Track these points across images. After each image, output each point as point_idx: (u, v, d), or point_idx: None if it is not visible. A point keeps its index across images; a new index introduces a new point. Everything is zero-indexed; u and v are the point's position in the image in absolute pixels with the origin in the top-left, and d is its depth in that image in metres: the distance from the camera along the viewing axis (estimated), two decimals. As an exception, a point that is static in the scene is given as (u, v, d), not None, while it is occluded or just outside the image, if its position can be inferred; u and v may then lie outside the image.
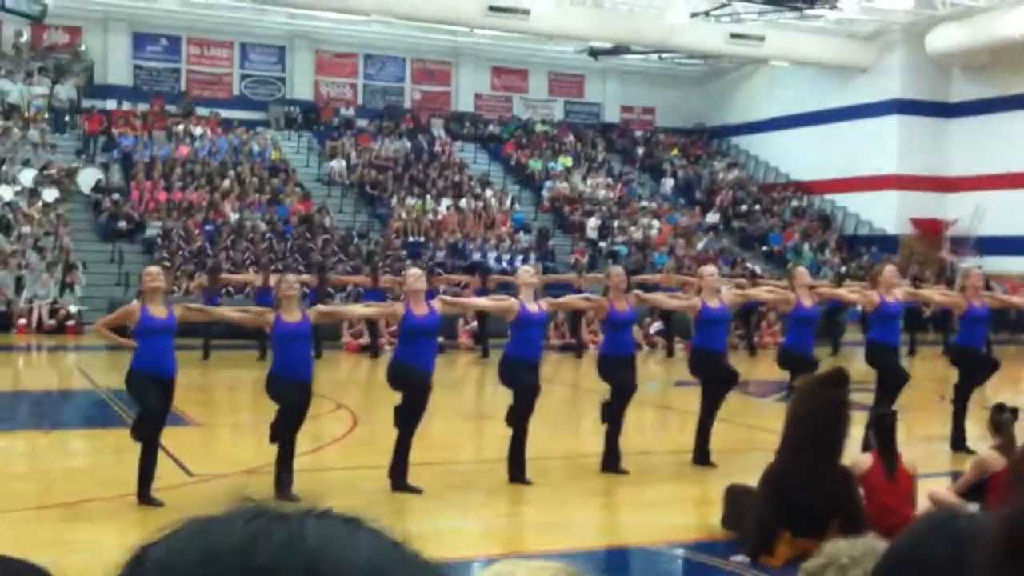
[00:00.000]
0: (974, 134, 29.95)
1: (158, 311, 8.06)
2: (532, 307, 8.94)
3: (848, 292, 12.98)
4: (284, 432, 8.09)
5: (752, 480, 7.15)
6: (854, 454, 7.75)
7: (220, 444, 11.08)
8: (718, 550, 7.06)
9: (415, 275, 8.82)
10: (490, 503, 8.54)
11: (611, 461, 9.37)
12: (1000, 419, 7.57)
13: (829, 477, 6.87)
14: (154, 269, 8.52)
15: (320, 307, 9.67)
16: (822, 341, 16.01)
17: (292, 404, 8.07)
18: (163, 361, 8.05)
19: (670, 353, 19.76)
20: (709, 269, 10.70)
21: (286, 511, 0.69)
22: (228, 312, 9.56)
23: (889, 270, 11.14)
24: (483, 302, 10.69)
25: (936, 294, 12.93)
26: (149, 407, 7.98)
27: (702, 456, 9.68)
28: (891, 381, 10.34)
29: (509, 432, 8.96)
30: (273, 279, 17.86)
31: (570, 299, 11.08)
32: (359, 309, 10.53)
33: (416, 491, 8.42)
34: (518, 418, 8.90)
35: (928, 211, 30.50)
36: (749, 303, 17.43)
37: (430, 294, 10.13)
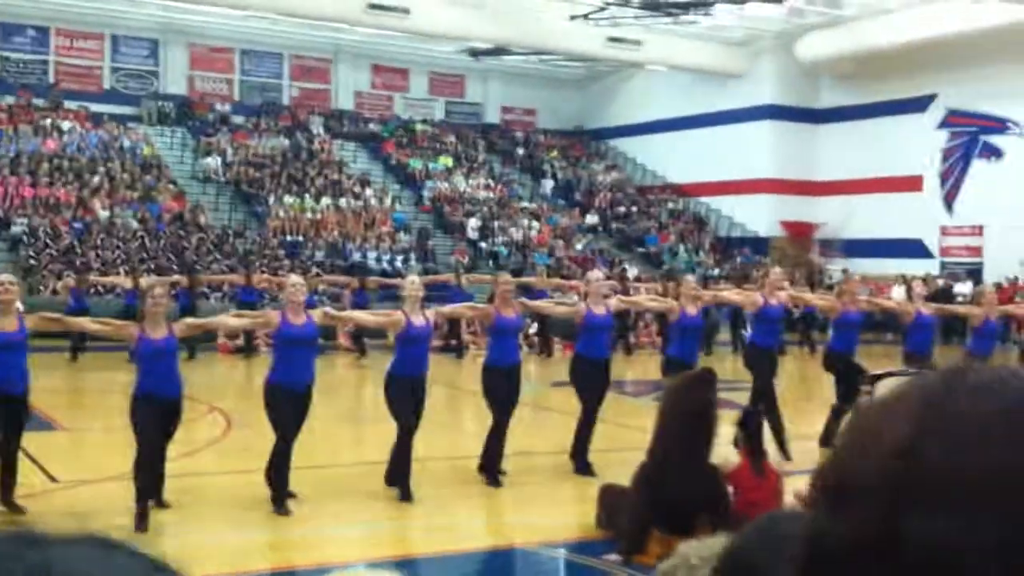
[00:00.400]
0: (842, 139, 30.99)
1: (8, 323, 7.70)
2: (418, 320, 8.83)
3: (732, 294, 13.19)
4: (149, 453, 7.79)
5: (627, 479, 7.26)
6: (724, 452, 7.94)
7: (87, 450, 10.75)
8: (593, 549, 7.15)
9: (295, 286, 8.60)
10: (372, 507, 8.47)
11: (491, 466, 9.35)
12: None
13: (699, 475, 7.02)
14: (6, 278, 8.04)
15: (189, 320, 9.30)
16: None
17: (153, 427, 7.72)
18: (9, 378, 7.67)
19: (548, 353, 19.92)
20: (595, 275, 10.70)
21: (42, 536, 0.68)
22: (87, 323, 8.96)
23: (775, 273, 11.39)
24: (368, 317, 10.52)
25: (816, 298, 13.24)
26: None
27: (583, 466, 9.64)
28: (761, 386, 10.57)
29: (393, 435, 8.90)
30: (144, 281, 17.43)
31: (457, 307, 11.05)
32: (231, 320, 10.25)
33: (292, 496, 8.30)
34: (402, 434, 8.72)
35: (799, 214, 31.43)
36: None
37: (310, 298, 9.98)
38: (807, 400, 14.25)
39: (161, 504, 7.94)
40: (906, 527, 0.68)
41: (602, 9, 27.88)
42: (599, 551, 7.05)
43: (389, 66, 35.97)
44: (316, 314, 8.72)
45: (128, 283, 18.18)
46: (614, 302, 10.66)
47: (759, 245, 30.91)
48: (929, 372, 0.79)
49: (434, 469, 9.68)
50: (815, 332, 21.86)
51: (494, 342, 9.68)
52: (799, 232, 31.49)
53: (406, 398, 8.69)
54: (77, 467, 9.45)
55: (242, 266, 20.85)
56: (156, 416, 7.68)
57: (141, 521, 7.42)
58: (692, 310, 10.48)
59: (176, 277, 20.11)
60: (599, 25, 29.30)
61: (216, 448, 10.55)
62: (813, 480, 0.75)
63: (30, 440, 9.86)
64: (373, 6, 26.90)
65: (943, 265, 28.17)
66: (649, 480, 7.05)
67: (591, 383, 9.83)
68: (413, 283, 9.18)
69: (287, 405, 8.12)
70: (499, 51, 32.48)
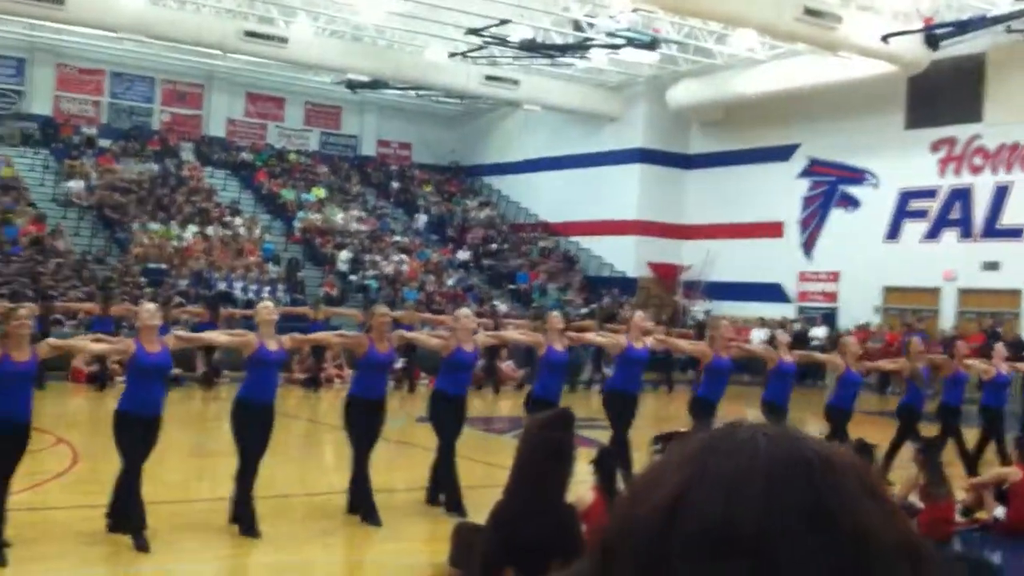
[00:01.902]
0: (708, 185, 31.81)
1: (23, 355, 7.56)
2: (271, 344, 8.72)
3: (597, 336, 13.27)
4: None
5: (483, 518, 7.25)
6: (579, 491, 8.00)
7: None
8: (445, 588, 7.11)
9: (149, 311, 8.43)
10: (224, 543, 8.28)
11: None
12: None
13: (554, 514, 7.04)
14: (22, 312, 7.97)
15: (51, 341, 9.04)
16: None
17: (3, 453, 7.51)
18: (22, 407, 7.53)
19: (411, 388, 19.83)
20: (464, 311, 10.66)
21: None
22: None
23: (638, 316, 11.49)
24: (219, 337, 10.30)
25: (685, 343, 13.34)
26: None
27: (457, 504, 9.50)
28: (615, 436, 10.62)
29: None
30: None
31: (325, 335, 10.92)
32: (91, 344, 9.98)
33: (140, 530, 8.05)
34: (243, 463, 8.60)
35: (665, 256, 32.08)
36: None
37: (164, 328, 9.73)
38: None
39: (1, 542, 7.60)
40: None
41: (481, 48, 28.15)
42: (450, 590, 7.01)
43: (264, 94, 35.58)
44: (168, 339, 8.54)
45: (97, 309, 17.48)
46: (482, 337, 10.66)
47: (627, 285, 31.43)
48: (704, 430, 0.82)
49: (290, 505, 9.53)
50: (675, 372, 22.28)
51: (362, 375, 9.56)
52: (665, 274, 32.14)
53: (255, 425, 8.54)
54: None
55: (101, 292, 20.22)
56: (8, 442, 7.46)
57: None
58: (559, 346, 10.56)
59: (28, 305, 19.37)
60: (477, 63, 29.56)
61: (62, 481, 10.17)
62: (592, 537, 0.77)
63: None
64: (250, 34, 26.60)
65: (800, 309, 29.07)
66: (503, 519, 7.04)
67: (450, 420, 9.78)
68: (267, 307, 9.09)
69: (135, 433, 7.93)
70: (377, 84, 32.46)
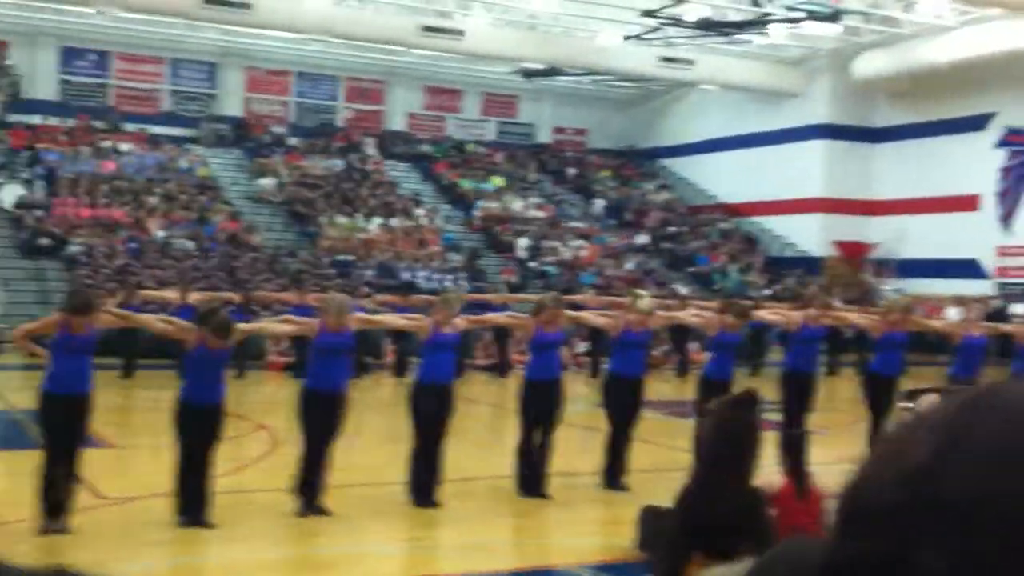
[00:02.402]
0: (897, 159, 30.61)
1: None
2: (446, 328, 8.92)
3: (770, 313, 13.08)
4: (186, 462, 7.96)
5: (667, 501, 7.20)
6: (767, 474, 7.84)
7: (133, 466, 10.89)
8: (631, 572, 7.09)
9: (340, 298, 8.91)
10: (409, 526, 8.49)
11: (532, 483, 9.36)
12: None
13: (740, 497, 6.91)
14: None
15: (242, 325, 9.53)
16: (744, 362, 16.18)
17: (196, 437, 7.94)
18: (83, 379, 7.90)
19: (594, 373, 19.82)
20: (642, 294, 10.69)
21: (14, 570, 0.69)
22: (152, 320, 9.34)
23: (815, 292, 11.27)
24: (396, 320, 10.68)
25: (856, 316, 12.98)
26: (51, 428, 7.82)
27: (616, 484, 9.67)
28: (799, 407, 10.45)
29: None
30: (193, 296, 17.72)
31: (493, 316, 11.05)
32: (279, 326, 10.43)
33: (326, 513, 8.37)
34: (422, 443, 8.83)
35: (852, 234, 31.06)
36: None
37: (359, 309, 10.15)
38: (854, 422, 14.04)
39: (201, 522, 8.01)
40: (916, 557, 0.65)
41: (655, 30, 27.85)
42: (636, 574, 6.98)
43: (442, 87, 36.20)
44: (352, 320, 8.92)
45: (178, 298, 18.37)
46: (657, 318, 10.60)
47: (811, 265, 30.59)
48: (963, 389, 0.75)
49: (476, 488, 9.68)
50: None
51: (535, 357, 9.68)
52: (852, 252, 31.12)
53: (431, 407, 8.78)
54: (123, 484, 9.56)
55: (294, 284, 21.02)
56: (203, 425, 7.90)
57: None
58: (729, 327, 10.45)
59: (229, 294, 20.38)
60: (652, 45, 29.26)
61: (262, 465, 10.63)
62: (837, 500, 0.73)
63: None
64: (428, 29, 27.10)
65: (1000, 285, 27.66)
66: (690, 503, 6.96)
67: (622, 402, 9.76)
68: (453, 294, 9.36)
69: (318, 411, 8.26)
70: (551, 72, 32.56)
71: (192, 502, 7.94)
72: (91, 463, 9.52)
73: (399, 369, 18.83)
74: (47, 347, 8.09)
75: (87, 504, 8.47)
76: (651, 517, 7.45)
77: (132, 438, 12.46)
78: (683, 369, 20.51)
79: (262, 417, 13.55)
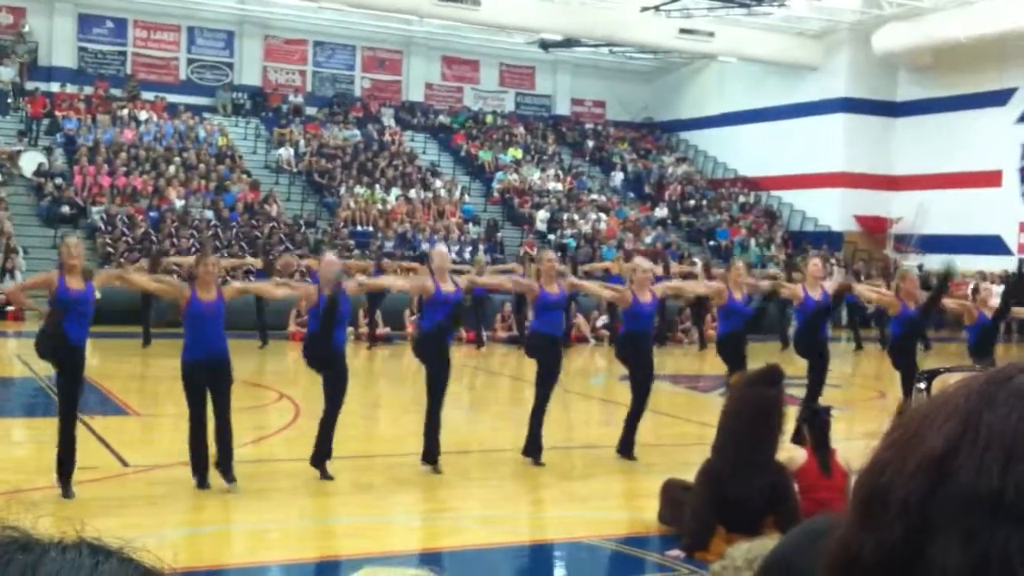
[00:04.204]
0: (919, 133, 30.40)
1: (75, 284, 8.00)
2: (447, 287, 8.99)
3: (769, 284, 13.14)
4: (197, 422, 8.15)
5: (689, 475, 7.22)
6: (790, 449, 7.85)
7: (159, 434, 10.96)
8: (654, 544, 7.12)
9: (328, 260, 9.06)
10: (427, 497, 8.53)
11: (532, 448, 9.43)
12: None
13: (764, 472, 6.94)
14: (72, 241, 8.45)
15: (236, 284, 10.08)
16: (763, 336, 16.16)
17: (197, 394, 8.17)
18: (77, 331, 8.02)
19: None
20: (642, 262, 10.81)
21: (35, 540, 0.69)
22: (144, 280, 9.51)
23: (814, 264, 11.17)
24: (397, 281, 10.90)
25: (871, 291, 12.84)
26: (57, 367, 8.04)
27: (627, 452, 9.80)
28: (816, 374, 10.49)
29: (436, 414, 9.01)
30: (225, 263, 18.04)
31: (497, 278, 11.15)
32: (275, 289, 10.54)
33: (329, 478, 8.48)
34: (433, 396, 8.93)
35: (873, 209, 30.91)
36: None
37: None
38: (877, 397, 14.04)
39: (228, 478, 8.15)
40: (932, 549, 0.65)
41: (674, 0, 27.65)
42: (660, 547, 7.01)
43: (459, 58, 36.06)
44: (350, 285, 8.94)
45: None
46: (660, 288, 10.61)
47: (832, 240, 30.46)
48: (979, 373, 0.74)
49: (501, 459, 9.72)
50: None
51: (539, 316, 9.86)
52: (873, 227, 30.97)
53: (435, 358, 8.97)
54: (149, 452, 9.64)
55: (314, 255, 21.10)
56: (204, 376, 8.07)
57: None
58: (738, 295, 10.46)
59: (251, 260, 20.53)
60: (671, 16, 29.06)
61: (285, 435, 10.69)
62: (856, 482, 0.72)
63: (102, 424, 10.10)
64: (444, -2, 26.97)
65: (1022, 261, 27.48)
66: (714, 477, 6.98)
67: (637, 359, 9.81)
68: (440, 253, 9.38)
69: (333, 368, 8.51)
70: (569, 43, 32.38)
71: (206, 461, 8.09)
72: (116, 431, 9.62)
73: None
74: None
75: (112, 472, 8.55)
76: (674, 490, 7.47)
77: (155, 407, 12.54)
78: (703, 343, 20.49)
79: (285, 387, 13.60)
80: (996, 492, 0.64)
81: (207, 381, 8.11)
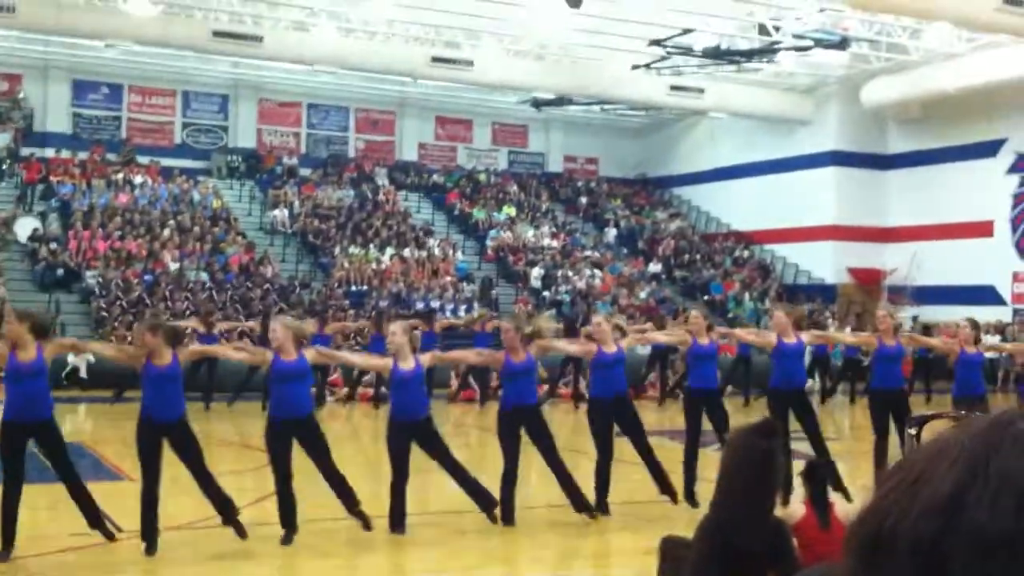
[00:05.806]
0: (910, 185, 30.59)
1: (28, 354, 7.91)
2: (406, 364, 8.90)
3: (745, 333, 13.37)
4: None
5: (687, 531, 7.14)
6: (790, 505, 7.79)
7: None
8: (654, 603, 7.02)
9: (281, 325, 9.06)
10: (426, 557, 8.44)
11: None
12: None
13: (763, 528, 6.86)
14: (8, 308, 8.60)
15: (193, 347, 10.23)
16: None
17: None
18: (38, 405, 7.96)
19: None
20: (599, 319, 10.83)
21: None
22: (101, 347, 10.03)
23: (778, 316, 10.91)
24: (353, 358, 11.23)
25: (846, 335, 12.92)
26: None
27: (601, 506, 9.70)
28: (809, 426, 10.44)
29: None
30: (222, 325, 18.12)
31: (462, 352, 11.18)
32: (231, 351, 10.57)
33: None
34: (396, 479, 8.84)
35: (866, 261, 31.01)
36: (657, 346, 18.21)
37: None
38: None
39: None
40: None
41: (664, 58, 27.94)
42: (660, 605, 6.91)
43: (452, 117, 36.34)
44: (308, 353, 8.87)
45: (201, 327, 18.56)
46: (627, 340, 10.54)
47: (825, 292, 30.51)
48: (977, 418, 0.74)
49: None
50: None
51: (506, 386, 9.77)
52: (866, 279, 31.05)
53: (404, 441, 8.89)
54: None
55: (311, 315, 21.13)
56: (159, 437, 8.14)
57: None
58: (704, 340, 10.47)
59: (251, 324, 20.53)
60: (661, 74, 29.35)
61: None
62: (850, 529, 0.71)
63: (98, 489, 9.98)
64: (437, 59, 27.23)
65: (1016, 312, 27.55)
66: (713, 533, 6.91)
67: (603, 424, 9.75)
68: (394, 332, 9.23)
69: (283, 439, 8.46)
70: (561, 101, 32.68)
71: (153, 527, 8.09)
72: (110, 496, 9.52)
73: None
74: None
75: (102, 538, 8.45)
76: (673, 547, 7.39)
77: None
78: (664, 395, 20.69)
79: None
80: (1011, 533, 0.63)
81: (167, 442, 8.17)
